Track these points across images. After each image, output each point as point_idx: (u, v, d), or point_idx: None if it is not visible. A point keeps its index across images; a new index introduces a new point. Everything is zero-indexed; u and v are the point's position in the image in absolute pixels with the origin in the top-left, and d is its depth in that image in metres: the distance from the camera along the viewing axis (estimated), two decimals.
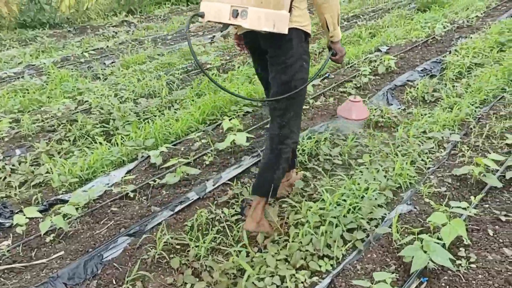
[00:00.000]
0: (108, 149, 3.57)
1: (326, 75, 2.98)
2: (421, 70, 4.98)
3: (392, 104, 4.22)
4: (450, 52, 5.51)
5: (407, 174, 2.86)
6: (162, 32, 8.18)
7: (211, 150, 3.39)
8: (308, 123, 3.86)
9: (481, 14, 7.59)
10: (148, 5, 10.84)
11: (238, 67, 5.31)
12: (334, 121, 3.80)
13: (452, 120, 3.63)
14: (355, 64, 5.41)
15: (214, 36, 7.56)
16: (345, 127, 3.64)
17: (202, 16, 2.07)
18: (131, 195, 2.98)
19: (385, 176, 2.86)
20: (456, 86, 4.45)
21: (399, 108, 4.11)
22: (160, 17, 9.91)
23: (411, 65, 5.23)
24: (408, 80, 4.71)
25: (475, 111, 3.83)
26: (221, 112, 4.13)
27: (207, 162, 3.29)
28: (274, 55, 2.18)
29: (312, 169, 3.18)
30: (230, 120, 3.66)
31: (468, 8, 8.01)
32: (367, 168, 2.98)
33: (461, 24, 6.97)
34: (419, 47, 5.99)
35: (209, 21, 2.08)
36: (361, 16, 8.37)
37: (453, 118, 3.64)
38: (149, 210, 2.79)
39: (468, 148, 3.23)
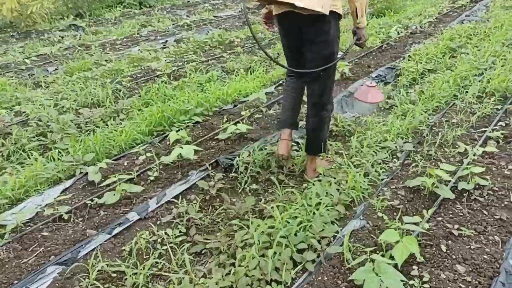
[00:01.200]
0: (44, 165, 3.31)
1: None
2: (376, 77, 4.98)
3: (346, 112, 4.17)
4: (404, 58, 5.55)
5: (360, 186, 2.78)
6: (112, 36, 7.88)
7: (156, 165, 3.20)
8: (260, 133, 3.74)
9: (434, 19, 7.76)
10: (98, 8, 10.47)
11: (190, 74, 5.13)
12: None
13: (405, 128, 3.60)
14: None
15: (166, 41, 7.34)
16: (362, 109, 4.14)
17: None
18: (66, 217, 2.74)
19: (338, 190, 2.77)
20: (410, 93, 4.46)
21: (354, 116, 4.06)
22: (110, 21, 9.57)
23: (366, 72, 5.22)
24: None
25: (428, 118, 3.83)
26: (170, 123, 3.94)
27: (152, 178, 3.10)
28: (315, 33, 2.50)
29: (264, 182, 3.06)
30: (177, 131, 3.50)
31: (421, 14, 8.18)
32: (320, 180, 2.89)
33: (414, 29, 7.09)
34: (374, 53, 6.02)
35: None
36: None
37: (406, 126, 3.62)
38: (84, 234, 2.58)
39: (421, 157, 3.20)
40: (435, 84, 4.48)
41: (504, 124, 3.63)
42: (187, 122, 3.96)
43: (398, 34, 6.82)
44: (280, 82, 5.00)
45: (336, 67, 3.03)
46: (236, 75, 5.21)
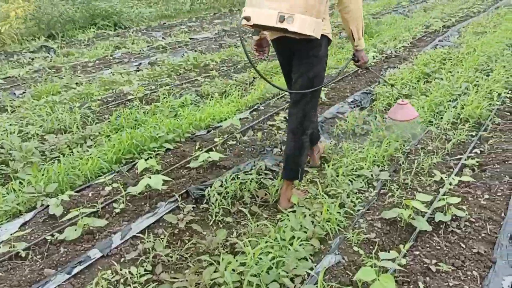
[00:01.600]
0: (3, 196, 3.13)
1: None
2: (351, 102, 4.98)
3: (320, 137, 4.11)
4: (379, 82, 5.58)
5: (336, 218, 2.70)
6: (83, 58, 7.73)
7: (122, 196, 3.05)
8: (234, 160, 3.64)
9: (408, 44, 7.89)
10: (71, 29, 10.31)
11: (163, 98, 5.03)
12: (263, 158, 3.62)
13: (381, 156, 3.56)
14: (285, 95, 5.32)
15: (140, 63, 7.24)
16: (401, 129, 3.95)
17: (248, 19, 2.32)
18: (23, 254, 2.57)
19: (312, 222, 2.67)
20: (386, 118, 4.45)
21: (330, 143, 4.01)
22: (83, 42, 9.42)
23: (341, 96, 5.22)
24: (338, 112, 4.67)
25: (404, 145, 3.80)
26: (139, 150, 3.81)
27: (117, 210, 2.95)
28: (305, 55, 2.64)
29: (236, 214, 2.95)
30: (146, 160, 3.37)
31: (395, 38, 8.31)
32: (294, 211, 2.80)
33: (389, 54, 7.17)
34: (350, 77, 6.04)
35: (255, 24, 2.33)
36: None
37: (382, 153, 3.58)
38: (42, 273, 2.40)
39: (397, 186, 3.15)
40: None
41: (479, 152, 3.63)
42: (158, 150, 3.83)
43: (373, 58, 6.88)
44: (255, 107, 4.94)
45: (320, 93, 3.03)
46: (210, 100, 5.13)
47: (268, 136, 4.10)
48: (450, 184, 3.01)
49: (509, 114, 4.43)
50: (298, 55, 2.66)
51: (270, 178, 3.28)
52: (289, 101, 2.93)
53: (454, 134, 3.95)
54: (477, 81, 5.28)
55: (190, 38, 9.46)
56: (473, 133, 4.01)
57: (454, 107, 4.57)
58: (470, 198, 2.96)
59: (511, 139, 3.85)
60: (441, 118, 4.31)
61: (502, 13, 10.48)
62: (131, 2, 12.96)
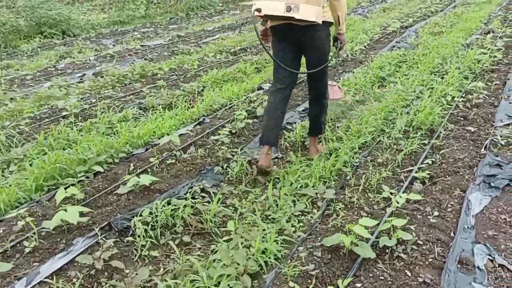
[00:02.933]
0: None
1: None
2: (302, 110, 4.77)
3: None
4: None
5: (272, 249, 2.46)
6: (24, 71, 7.28)
7: (34, 233, 2.72)
8: (170, 182, 3.36)
9: (365, 46, 7.80)
10: (15, 39, 9.78)
11: (101, 113, 4.70)
12: (202, 178, 3.36)
13: (329, 170, 3.35)
14: (234, 105, 5.08)
15: (84, 74, 6.86)
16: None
17: (260, 11, 2.89)
18: None
19: (247, 253, 2.43)
20: (337, 128, 4.27)
21: (277, 157, 3.78)
22: (26, 53, 8.94)
23: (292, 105, 5.01)
24: (287, 123, 4.45)
25: (353, 157, 3.61)
26: (65, 174, 3.48)
27: (29, 249, 2.62)
28: (311, 40, 3.12)
29: (166, 246, 2.67)
30: (67, 188, 3.06)
31: (353, 41, 8.20)
32: (230, 240, 2.55)
33: (345, 57, 7.05)
34: (303, 84, 5.85)
35: (265, 14, 2.93)
36: (248, 50, 8.21)
37: (329, 168, 3.37)
38: None
39: (343, 205, 2.94)
40: (362, 118, 4.32)
41: (430, 162, 3.47)
42: (87, 173, 3.51)
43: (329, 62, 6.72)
44: (201, 119, 4.67)
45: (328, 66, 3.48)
46: (153, 113, 4.83)
47: (210, 153, 3.83)
48: (398, 202, 2.82)
49: (462, 119, 4.32)
50: (306, 39, 3.14)
51: (207, 202, 3.02)
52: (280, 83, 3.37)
53: (406, 143, 3.79)
54: (431, 85, 5.18)
55: (142, 45, 9.12)
56: (426, 141, 3.86)
57: (407, 113, 4.44)
58: (419, 216, 2.78)
59: (464, 147, 3.72)
60: (394, 126, 4.16)
61: (459, 12, 10.59)
62: (82, 8, 12.50)
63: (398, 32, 9.05)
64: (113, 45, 9.40)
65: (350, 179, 3.26)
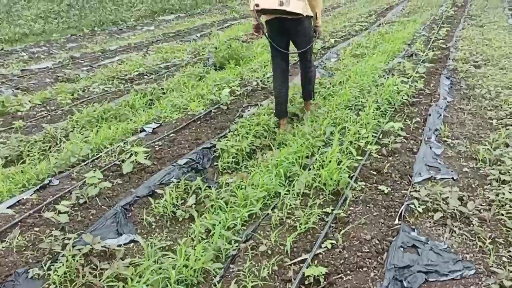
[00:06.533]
0: None
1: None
2: (185, 164, 3.89)
3: (122, 234, 2.96)
4: (229, 131, 4.59)
5: None
6: None
7: None
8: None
9: None
10: None
11: None
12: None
13: (189, 274, 2.48)
14: (101, 157, 4.10)
15: None
16: None
17: (258, 5, 3.83)
18: None
19: None
20: (228, 189, 3.42)
21: (126, 242, 2.87)
22: None
23: (174, 155, 4.11)
24: (161, 184, 3.55)
25: (230, 243, 2.77)
26: None
27: None
28: (298, 29, 4.20)
29: None
30: None
31: (267, 65, 7.49)
32: None
33: (255, 86, 6.30)
34: (198, 122, 4.99)
35: (262, 8, 3.88)
36: (146, 75, 7.25)
37: (192, 265, 2.50)
38: None
39: None
40: (255, 175, 3.52)
41: (329, 246, 2.70)
42: None
43: (234, 93, 5.93)
44: (48, 179, 3.65)
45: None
46: None
47: (37, 241, 2.83)
48: None
49: (375, 173, 3.63)
50: (294, 29, 4.18)
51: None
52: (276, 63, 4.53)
53: (303, 215, 3.01)
54: (344, 125, 4.51)
55: (22, 70, 7.89)
56: (329, 209, 3.12)
57: (311, 166, 3.70)
58: None
59: (374, 219, 3.00)
60: (292, 187, 3.38)
61: (383, 31, 10.26)
62: None
63: (318, 53, 8.47)
64: None
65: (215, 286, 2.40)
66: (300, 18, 4.01)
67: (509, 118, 4.76)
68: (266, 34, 4.23)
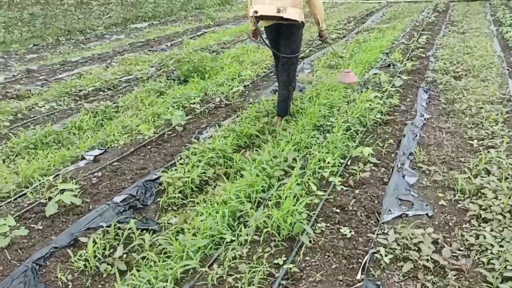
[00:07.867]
0: None
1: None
2: (122, 201, 3.40)
3: None
4: (180, 158, 4.11)
5: None
6: None
7: None
8: None
9: (247, 86, 6.65)
10: None
11: None
12: None
13: None
14: (26, 194, 3.59)
15: None
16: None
17: (257, 12, 4.07)
18: None
19: None
20: (170, 232, 2.95)
21: None
22: None
23: (114, 189, 3.63)
24: (88, 229, 3.05)
25: None
26: None
27: None
28: (290, 34, 4.38)
29: None
30: None
31: (235, 78, 7.04)
32: None
33: (218, 103, 5.82)
34: (148, 147, 4.51)
35: (261, 15, 4.12)
36: (103, 91, 6.73)
37: None
38: None
39: None
40: (198, 214, 3.05)
41: None
42: None
43: (193, 112, 5.46)
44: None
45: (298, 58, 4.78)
46: None
47: None
48: None
49: (338, 211, 3.19)
50: (285, 35, 4.42)
51: None
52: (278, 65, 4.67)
53: (248, 271, 2.54)
54: (309, 150, 4.07)
55: None
56: (281, 260, 2.66)
57: (264, 206, 3.24)
58: None
59: (332, 273, 2.55)
60: (238, 232, 2.92)
61: (361, 40, 9.88)
62: None
63: None
64: None
65: None
66: (295, 24, 4.27)
67: (491, 138, 4.38)
68: (264, 38, 4.48)
